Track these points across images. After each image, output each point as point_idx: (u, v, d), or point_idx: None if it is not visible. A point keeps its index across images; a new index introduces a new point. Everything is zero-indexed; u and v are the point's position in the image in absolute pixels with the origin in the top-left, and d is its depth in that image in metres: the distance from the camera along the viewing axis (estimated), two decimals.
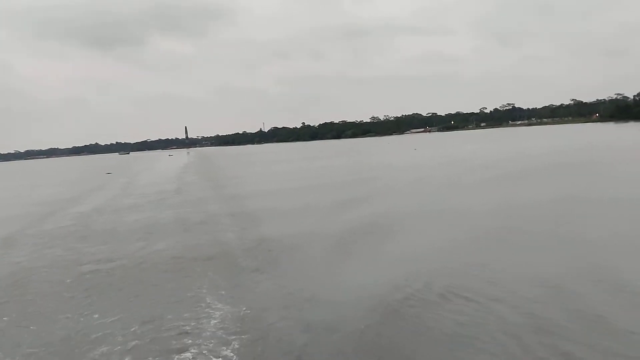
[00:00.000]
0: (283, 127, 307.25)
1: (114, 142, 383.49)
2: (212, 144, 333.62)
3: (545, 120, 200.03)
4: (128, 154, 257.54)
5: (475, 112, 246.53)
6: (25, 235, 18.90)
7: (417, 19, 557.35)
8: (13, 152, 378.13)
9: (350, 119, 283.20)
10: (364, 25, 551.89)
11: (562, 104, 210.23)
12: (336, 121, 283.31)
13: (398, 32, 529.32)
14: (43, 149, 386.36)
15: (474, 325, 7.70)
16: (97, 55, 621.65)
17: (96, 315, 9.29)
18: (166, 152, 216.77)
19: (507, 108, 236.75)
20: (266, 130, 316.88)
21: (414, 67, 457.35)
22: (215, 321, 8.54)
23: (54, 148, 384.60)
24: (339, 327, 8.04)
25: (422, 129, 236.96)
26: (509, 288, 9.21)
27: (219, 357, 7.27)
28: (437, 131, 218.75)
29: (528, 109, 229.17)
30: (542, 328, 7.47)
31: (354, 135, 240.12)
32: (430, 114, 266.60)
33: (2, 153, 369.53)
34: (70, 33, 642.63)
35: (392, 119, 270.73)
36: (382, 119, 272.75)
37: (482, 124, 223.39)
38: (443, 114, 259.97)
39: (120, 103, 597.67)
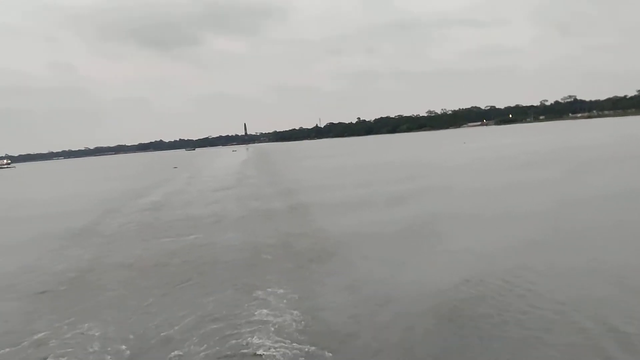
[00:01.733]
0: (339, 123, 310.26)
1: (178, 139, 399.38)
2: (269, 140, 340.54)
3: (606, 112, 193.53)
4: (194, 150, 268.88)
5: (535, 104, 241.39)
6: (105, 221, 21.89)
7: (472, 11, 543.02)
8: (83, 148, 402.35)
9: (406, 113, 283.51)
10: (416, 20, 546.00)
11: (625, 96, 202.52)
12: (392, 115, 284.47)
13: (452, 25, 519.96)
14: (111, 145, 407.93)
15: (542, 328, 7.48)
16: (156, 55, 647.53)
17: (163, 304, 10.01)
18: (227, 148, 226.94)
19: (569, 100, 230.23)
20: (322, 126, 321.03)
21: (471, 60, 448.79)
22: (279, 316, 8.69)
23: (122, 145, 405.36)
24: (404, 325, 8.00)
25: (479, 123, 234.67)
26: (577, 288, 9.03)
27: (283, 350, 7.40)
28: (494, 124, 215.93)
29: (590, 101, 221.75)
30: (615, 330, 7.21)
31: (409, 129, 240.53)
32: (488, 107, 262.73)
33: (73, 150, 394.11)
34: (129, 34, 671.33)
35: (450, 112, 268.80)
36: (439, 113, 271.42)
37: (541, 117, 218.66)
38: (502, 107, 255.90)
39: (180, 101, 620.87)
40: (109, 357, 7.77)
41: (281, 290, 10.09)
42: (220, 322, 8.77)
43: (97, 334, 8.69)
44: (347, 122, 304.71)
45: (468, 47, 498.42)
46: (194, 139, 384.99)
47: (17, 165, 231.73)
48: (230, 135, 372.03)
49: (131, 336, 8.47)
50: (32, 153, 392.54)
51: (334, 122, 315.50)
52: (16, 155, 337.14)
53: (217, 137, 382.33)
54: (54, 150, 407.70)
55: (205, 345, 7.85)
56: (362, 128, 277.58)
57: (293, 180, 34.98)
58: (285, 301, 9.46)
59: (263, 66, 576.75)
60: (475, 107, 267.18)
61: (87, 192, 41.41)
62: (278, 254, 13.23)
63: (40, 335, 8.77)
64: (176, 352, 7.69)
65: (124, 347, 8.06)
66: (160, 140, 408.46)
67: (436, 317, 8.20)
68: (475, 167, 34.46)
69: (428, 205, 19.50)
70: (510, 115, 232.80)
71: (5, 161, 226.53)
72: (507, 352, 6.95)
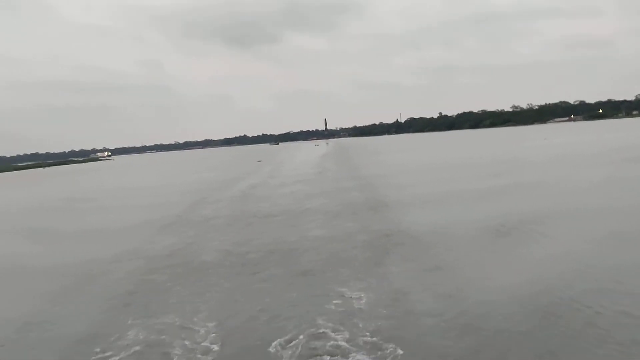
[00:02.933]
0: (419, 118, 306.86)
1: (261, 134, 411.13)
2: (349, 135, 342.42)
3: None
4: (277, 144, 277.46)
5: (629, 99, 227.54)
6: (200, 207, 24.67)
7: (558, 0, 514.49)
8: (174, 142, 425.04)
9: (490, 108, 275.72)
10: (499, 12, 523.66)
11: None
12: (475, 110, 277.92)
13: (538, 16, 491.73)
14: (199, 140, 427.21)
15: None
16: (237, 53, 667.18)
17: (254, 271, 11.93)
18: (308, 143, 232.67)
19: None
20: (402, 121, 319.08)
21: (559, 52, 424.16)
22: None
23: (209, 139, 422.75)
24: (494, 329, 7.70)
25: (567, 118, 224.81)
26: None
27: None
28: (583, 120, 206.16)
29: None
30: None
31: (492, 125, 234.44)
32: (577, 102, 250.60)
33: (164, 144, 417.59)
34: (212, 33, 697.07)
35: (536, 107, 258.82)
36: (524, 108, 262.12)
37: (634, 112, 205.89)
38: (592, 102, 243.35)
39: (262, 98, 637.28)
40: (222, 301, 10.36)
41: (361, 267, 11.76)
42: (309, 278, 11.07)
43: (209, 283, 11.47)
44: (428, 117, 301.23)
45: (554, 39, 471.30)
46: (276, 133, 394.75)
47: (115, 157, 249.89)
48: (310, 130, 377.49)
49: (234, 294, 10.96)
50: (127, 146, 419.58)
51: (415, 117, 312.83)
52: (112, 148, 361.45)
53: (298, 132, 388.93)
54: (147, 144, 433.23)
55: (295, 294, 10.16)
56: (444, 123, 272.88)
57: (371, 175, 36.12)
58: (366, 282, 10.56)
59: (342, 62, 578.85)
60: (564, 102, 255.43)
61: (181, 183, 45.03)
62: (359, 241, 14.40)
63: (167, 284, 11.64)
64: (264, 307, 9.57)
65: (226, 299, 10.66)
66: (244, 135, 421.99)
67: (525, 320, 7.94)
68: (560, 163, 33.83)
69: (513, 202, 19.11)
70: (601, 111, 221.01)
71: (106, 153, 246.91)
72: None
